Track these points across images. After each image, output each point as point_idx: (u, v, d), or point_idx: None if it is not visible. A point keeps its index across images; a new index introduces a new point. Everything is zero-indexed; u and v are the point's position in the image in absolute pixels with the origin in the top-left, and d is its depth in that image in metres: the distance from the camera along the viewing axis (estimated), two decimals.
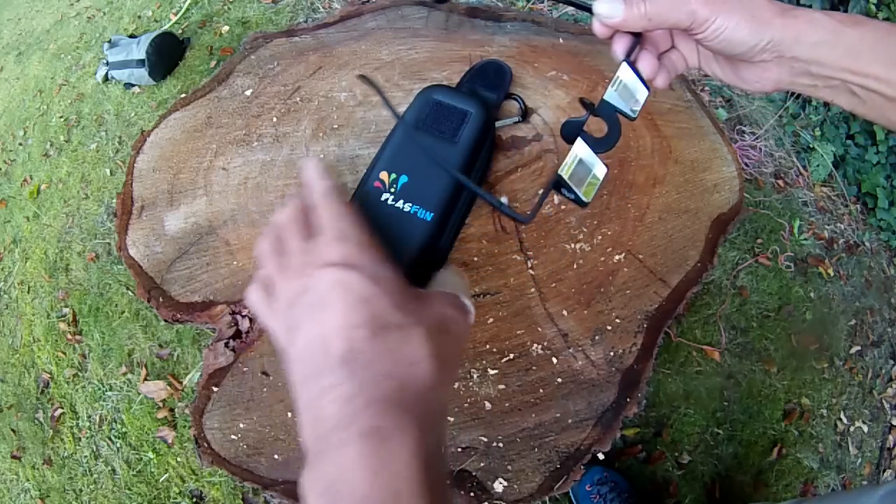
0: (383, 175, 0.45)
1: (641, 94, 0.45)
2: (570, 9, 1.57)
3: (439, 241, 0.46)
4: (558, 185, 0.42)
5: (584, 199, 0.43)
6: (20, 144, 1.93)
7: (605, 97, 0.45)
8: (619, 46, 0.45)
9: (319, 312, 0.31)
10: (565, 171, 0.41)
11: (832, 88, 0.39)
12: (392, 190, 0.44)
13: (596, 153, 0.43)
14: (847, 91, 0.39)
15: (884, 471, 1.23)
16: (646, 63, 0.44)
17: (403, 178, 0.44)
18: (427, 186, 0.44)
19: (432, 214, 0.43)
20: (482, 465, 0.54)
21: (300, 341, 0.31)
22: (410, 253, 0.42)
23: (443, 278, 0.41)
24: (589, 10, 0.43)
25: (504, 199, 0.54)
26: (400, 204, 0.43)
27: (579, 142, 0.42)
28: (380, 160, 0.46)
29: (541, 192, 0.47)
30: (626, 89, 0.45)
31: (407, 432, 0.27)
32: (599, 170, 0.43)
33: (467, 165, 0.47)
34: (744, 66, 0.41)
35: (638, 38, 0.44)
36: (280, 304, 0.33)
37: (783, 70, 0.40)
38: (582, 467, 0.54)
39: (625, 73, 0.44)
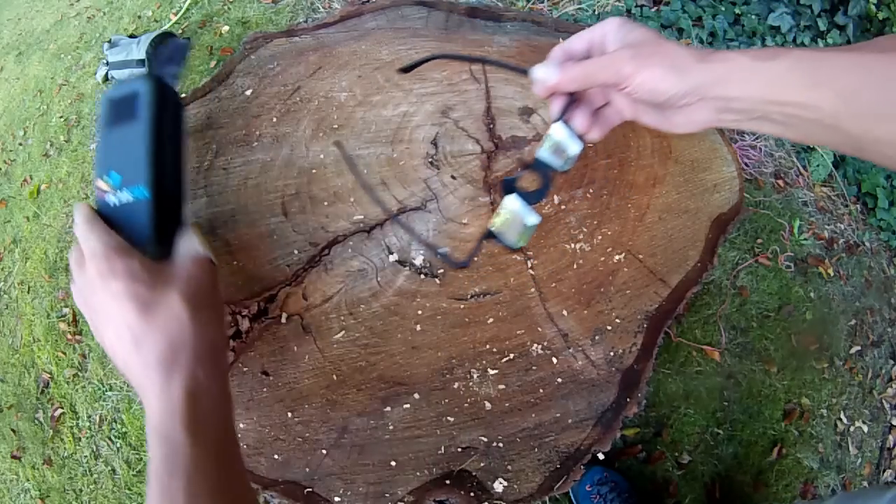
0: (100, 183, 0.49)
1: (574, 149, 0.51)
2: (571, 9, 1.57)
3: (168, 208, 0.50)
4: (490, 234, 0.48)
5: (514, 245, 0.49)
6: (20, 144, 1.93)
7: (538, 154, 0.51)
8: (555, 106, 0.50)
9: (107, 319, 0.43)
10: (495, 226, 0.49)
11: (756, 119, 0.42)
12: (112, 190, 0.48)
13: (529, 205, 0.49)
14: (770, 120, 0.41)
15: (884, 471, 1.23)
16: (579, 120, 0.49)
17: (115, 176, 0.48)
18: (133, 171, 0.48)
19: (149, 191, 0.47)
20: (482, 465, 0.54)
21: (108, 338, 0.43)
22: (148, 233, 0.46)
23: (180, 241, 0.48)
24: (525, 72, 0.49)
25: (444, 250, 0.58)
26: (124, 198, 0.47)
27: (510, 197, 0.49)
28: (94, 172, 0.51)
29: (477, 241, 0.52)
30: (559, 146, 0.51)
31: (179, 373, 0.41)
32: (532, 219, 0.49)
33: (157, 134, 0.50)
34: (671, 112, 0.45)
35: (573, 97, 0.50)
36: (87, 303, 0.45)
37: (708, 110, 0.43)
38: (582, 467, 0.54)
39: (557, 131, 0.50)
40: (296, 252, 0.60)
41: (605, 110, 0.52)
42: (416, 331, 0.57)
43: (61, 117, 1.90)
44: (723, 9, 1.59)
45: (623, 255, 0.60)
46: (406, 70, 0.62)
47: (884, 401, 1.29)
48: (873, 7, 1.40)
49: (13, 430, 1.40)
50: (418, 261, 0.58)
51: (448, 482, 0.53)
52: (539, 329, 0.57)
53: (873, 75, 0.36)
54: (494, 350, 0.56)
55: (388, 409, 0.55)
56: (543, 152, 0.51)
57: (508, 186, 0.51)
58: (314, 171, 0.63)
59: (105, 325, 0.43)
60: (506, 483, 0.53)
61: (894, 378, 1.33)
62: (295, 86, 0.71)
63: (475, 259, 0.55)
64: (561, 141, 0.51)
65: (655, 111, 0.47)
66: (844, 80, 0.37)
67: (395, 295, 0.57)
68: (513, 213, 0.49)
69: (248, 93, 0.72)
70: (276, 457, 0.55)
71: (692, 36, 1.58)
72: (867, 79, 0.37)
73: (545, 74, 0.47)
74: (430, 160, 0.62)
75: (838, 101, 0.37)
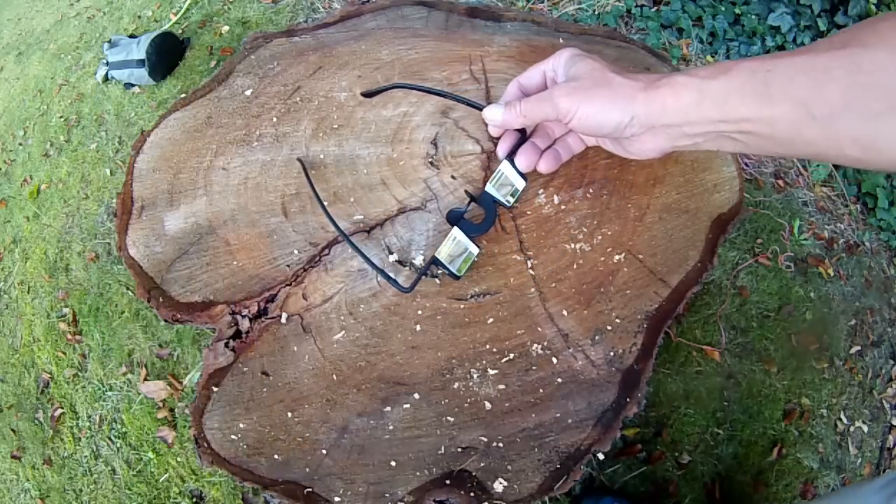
0: None
1: (519, 184, 0.55)
2: (571, 9, 1.57)
3: None
4: (436, 262, 0.52)
5: (456, 273, 0.53)
6: (20, 144, 1.93)
7: (486, 189, 0.55)
8: (503, 146, 0.54)
9: None
10: (442, 255, 0.52)
11: (712, 141, 0.40)
12: None
13: (471, 237, 0.54)
14: (727, 138, 0.40)
15: (884, 471, 1.23)
16: (521, 159, 0.52)
17: None
18: None
19: None
20: (482, 465, 0.54)
21: None
22: None
23: None
24: (480, 108, 0.53)
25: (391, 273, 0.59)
26: None
27: (455, 229, 0.53)
28: None
29: (422, 264, 0.57)
30: (506, 182, 0.55)
31: None
32: (473, 249, 0.54)
33: None
34: (624, 142, 0.45)
35: (523, 135, 0.53)
36: None
37: (660, 138, 0.42)
38: (582, 468, 0.54)
39: (506, 168, 0.54)
40: (296, 252, 0.60)
41: (565, 139, 0.53)
42: (416, 331, 0.57)
43: (61, 117, 1.90)
44: (723, 9, 1.59)
45: (623, 255, 0.60)
46: (368, 95, 0.64)
47: (884, 401, 1.29)
48: (873, 7, 1.40)
49: (13, 430, 1.40)
50: (418, 261, 0.58)
51: (448, 482, 0.53)
52: (539, 329, 0.57)
53: (830, 76, 0.33)
54: (494, 350, 0.56)
55: (388, 409, 0.55)
56: (491, 187, 0.55)
57: (454, 217, 0.55)
58: (314, 171, 0.63)
59: None
60: (506, 483, 0.53)
61: (894, 378, 1.33)
62: (295, 86, 0.71)
63: (418, 288, 0.57)
64: (509, 176, 0.55)
65: (612, 141, 0.47)
66: (800, 87, 0.34)
67: (395, 295, 0.57)
68: (459, 243, 0.53)
69: (248, 93, 0.72)
70: (276, 457, 0.55)
71: (692, 36, 1.58)
72: (824, 81, 0.33)
73: (492, 114, 0.49)
74: (430, 160, 0.62)
75: (794, 110, 0.35)
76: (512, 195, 0.56)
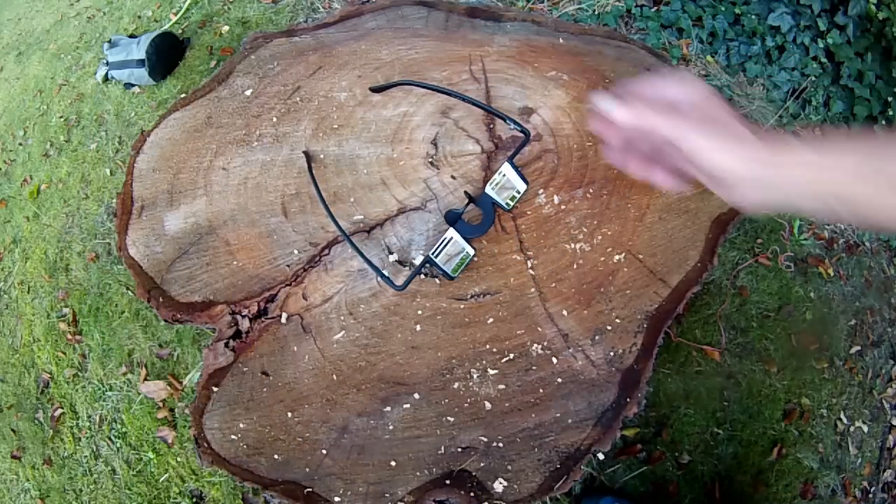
0: None
1: (520, 187, 0.56)
2: (571, 9, 1.57)
3: None
4: (430, 261, 0.52)
5: (451, 274, 0.53)
6: (20, 144, 1.93)
7: (486, 190, 0.55)
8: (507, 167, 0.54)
9: None
10: (435, 253, 0.52)
11: (814, 207, 0.42)
12: None
13: (468, 238, 0.53)
14: (831, 209, 0.41)
15: (884, 471, 1.23)
16: (636, 165, 0.48)
17: None
18: None
19: None
20: (482, 465, 0.54)
21: None
22: None
23: None
24: (487, 110, 0.57)
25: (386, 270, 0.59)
26: None
27: (451, 230, 0.52)
28: None
29: (419, 259, 0.57)
30: (506, 185, 0.55)
31: None
32: (469, 250, 0.54)
33: None
34: (726, 189, 0.45)
35: (526, 139, 0.55)
36: None
37: (764, 197, 0.42)
38: (582, 468, 0.54)
39: (507, 170, 0.54)
40: (296, 252, 0.60)
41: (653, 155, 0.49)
42: (416, 331, 0.57)
43: (61, 117, 1.90)
44: (723, 9, 1.59)
45: (623, 255, 0.60)
46: (376, 91, 0.65)
47: (884, 401, 1.29)
48: (873, 7, 1.40)
49: (13, 430, 1.40)
50: (418, 261, 0.58)
51: (448, 482, 0.53)
52: (539, 329, 0.57)
53: None
54: (494, 350, 0.56)
55: (388, 409, 0.55)
56: (490, 189, 0.55)
57: (452, 219, 0.55)
58: (314, 171, 0.63)
59: None
60: (506, 483, 0.53)
61: (894, 378, 1.32)
62: (295, 86, 0.71)
63: (418, 288, 0.57)
64: (508, 179, 0.55)
65: (713, 182, 0.46)
66: None
67: (395, 295, 0.57)
68: (455, 244, 0.53)
69: (248, 93, 0.72)
70: (276, 457, 0.55)
71: (692, 36, 1.58)
72: None
73: (604, 102, 0.45)
74: (430, 160, 0.62)
75: None
76: (511, 198, 0.56)
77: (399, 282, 0.53)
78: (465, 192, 0.57)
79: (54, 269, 1.55)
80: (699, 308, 1.27)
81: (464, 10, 0.81)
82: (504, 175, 0.55)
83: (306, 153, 0.59)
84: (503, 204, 0.56)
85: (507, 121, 0.57)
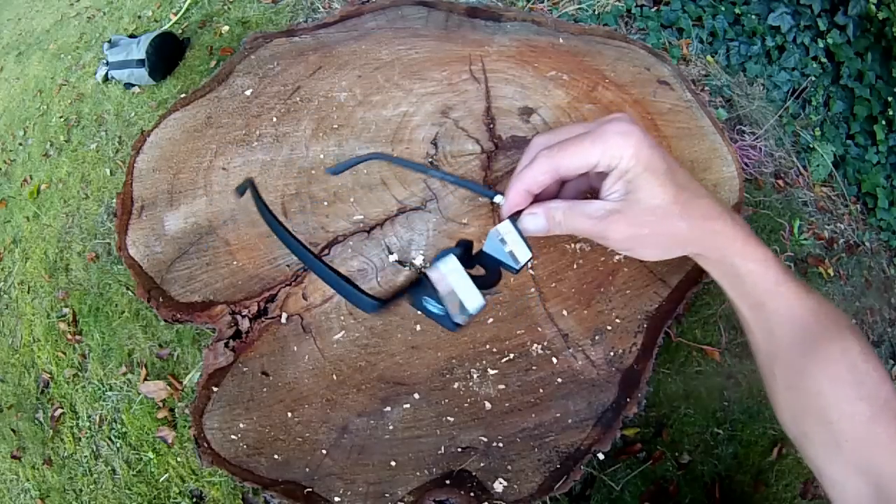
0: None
1: (523, 256, 0.41)
2: (571, 9, 1.57)
3: None
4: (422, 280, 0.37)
5: (453, 321, 0.36)
6: (20, 144, 1.93)
7: (485, 249, 0.41)
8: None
9: None
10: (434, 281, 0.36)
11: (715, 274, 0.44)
12: None
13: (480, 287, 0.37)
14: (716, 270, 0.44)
15: None
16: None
17: None
18: None
19: None
20: (482, 465, 0.54)
21: None
22: None
23: None
24: (490, 197, 0.44)
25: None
26: None
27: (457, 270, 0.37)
28: None
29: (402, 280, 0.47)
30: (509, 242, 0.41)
31: None
32: (477, 300, 0.37)
33: None
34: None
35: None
36: None
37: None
38: (582, 468, 0.54)
39: (508, 233, 0.40)
40: None
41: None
42: (416, 331, 0.57)
43: (61, 117, 1.90)
44: (723, 9, 1.59)
45: (623, 255, 0.60)
46: (335, 173, 0.58)
47: None
48: (873, 7, 1.40)
49: (13, 430, 1.40)
50: (418, 261, 0.58)
51: (448, 482, 0.53)
52: (539, 329, 0.57)
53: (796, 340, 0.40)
54: (494, 350, 0.56)
55: (388, 409, 0.55)
56: (493, 246, 0.40)
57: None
58: (314, 171, 0.63)
59: None
60: (506, 483, 0.53)
61: (894, 378, 1.32)
62: (295, 86, 0.71)
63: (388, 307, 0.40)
64: (509, 243, 0.40)
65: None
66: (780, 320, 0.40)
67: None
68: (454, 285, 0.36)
69: (248, 93, 0.72)
70: (276, 457, 0.55)
71: (692, 36, 1.58)
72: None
73: (530, 222, 0.39)
74: (430, 160, 0.62)
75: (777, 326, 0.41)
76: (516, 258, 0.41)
77: (403, 281, 0.47)
78: (463, 242, 0.41)
79: (54, 269, 1.55)
80: (699, 308, 1.27)
81: (464, 10, 0.81)
82: (503, 239, 0.40)
83: (251, 181, 0.45)
84: (511, 264, 0.40)
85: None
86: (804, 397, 0.40)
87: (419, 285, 0.35)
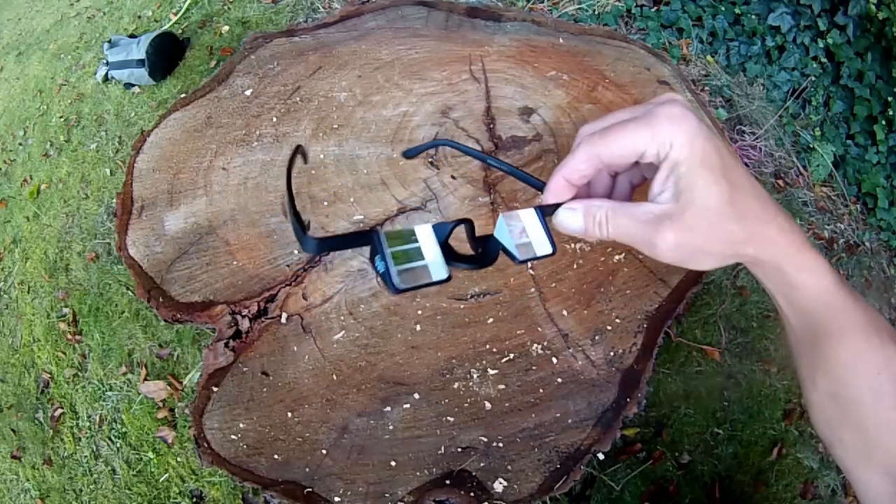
0: None
1: (543, 250, 0.37)
2: (571, 9, 1.57)
3: None
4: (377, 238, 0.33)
5: (396, 285, 0.32)
6: (20, 144, 1.93)
7: (496, 234, 0.37)
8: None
9: None
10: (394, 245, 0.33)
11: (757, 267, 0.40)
12: None
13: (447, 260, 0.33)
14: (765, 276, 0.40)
15: None
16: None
17: None
18: None
19: None
20: (482, 465, 0.54)
21: None
22: None
23: None
24: (529, 182, 0.41)
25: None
26: None
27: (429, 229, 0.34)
28: None
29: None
30: (525, 234, 0.37)
31: None
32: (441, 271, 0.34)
33: None
34: None
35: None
36: None
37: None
38: (582, 468, 0.54)
39: (532, 225, 0.37)
40: (296, 252, 0.60)
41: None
42: (416, 331, 0.57)
43: (61, 117, 1.90)
44: (723, 9, 1.59)
45: (623, 254, 0.60)
46: (409, 157, 0.58)
47: None
48: (873, 7, 1.41)
49: (13, 430, 1.40)
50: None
51: (448, 482, 0.53)
52: (539, 329, 0.57)
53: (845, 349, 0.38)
54: (494, 350, 0.56)
55: (388, 409, 0.55)
56: (502, 232, 0.37)
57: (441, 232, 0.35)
58: (314, 171, 0.63)
59: None
60: (506, 483, 0.53)
61: None
62: (295, 86, 0.71)
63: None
64: (530, 236, 0.37)
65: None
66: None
67: (395, 295, 0.57)
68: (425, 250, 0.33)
69: (248, 93, 0.72)
70: (276, 457, 0.55)
71: (692, 36, 1.58)
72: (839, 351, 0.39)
73: (569, 221, 0.36)
74: (430, 160, 0.62)
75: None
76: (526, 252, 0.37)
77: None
78: (473, 239, 0.39)
79: (54, 269, 1.55)
80: (699, 308, 1.27)
81: (464, 10, 0.81)
82: (524, 228, 0.37)
83: (300, 147, 0.41)
84: (515, 253, 0.36)
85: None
86: (844, 406, 0.40)
87: (378, 241, 0.33)
